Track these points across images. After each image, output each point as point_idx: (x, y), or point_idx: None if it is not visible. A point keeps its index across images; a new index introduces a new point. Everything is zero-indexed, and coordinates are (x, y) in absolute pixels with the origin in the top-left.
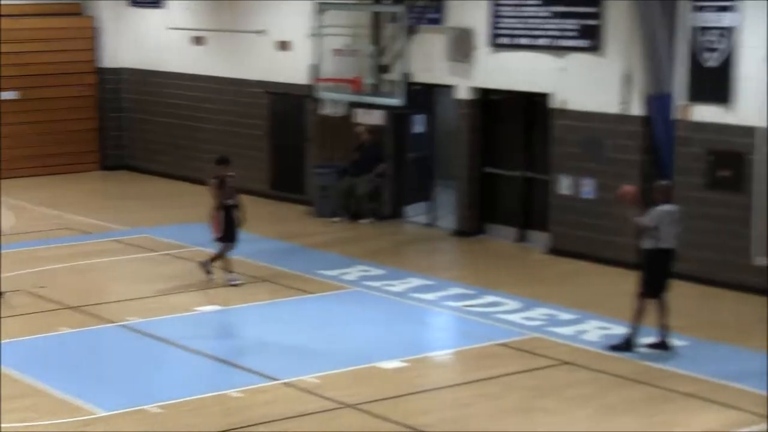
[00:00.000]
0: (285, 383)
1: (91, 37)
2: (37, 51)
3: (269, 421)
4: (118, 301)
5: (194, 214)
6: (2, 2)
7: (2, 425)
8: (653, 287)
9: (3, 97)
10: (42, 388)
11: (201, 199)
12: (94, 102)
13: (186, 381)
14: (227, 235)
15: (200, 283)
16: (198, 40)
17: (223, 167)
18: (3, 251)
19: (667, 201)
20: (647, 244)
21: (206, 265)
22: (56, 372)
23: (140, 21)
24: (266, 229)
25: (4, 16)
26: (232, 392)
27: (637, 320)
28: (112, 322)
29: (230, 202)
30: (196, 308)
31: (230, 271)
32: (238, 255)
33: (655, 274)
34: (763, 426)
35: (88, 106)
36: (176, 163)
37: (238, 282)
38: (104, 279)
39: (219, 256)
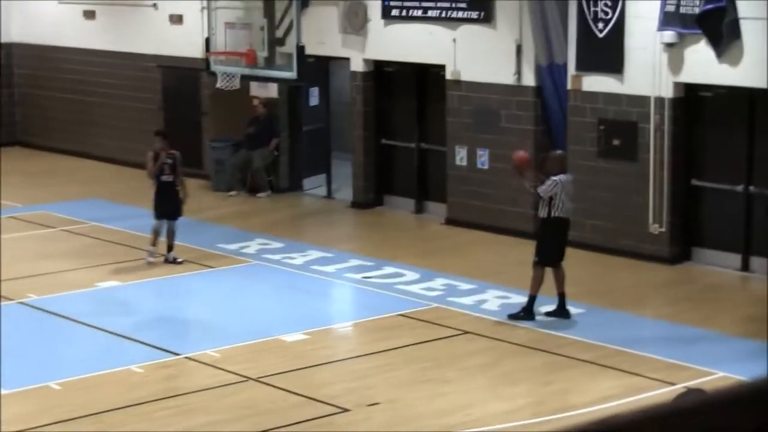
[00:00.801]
0: (186, 357)
1: None
2: None
3: (171, 396)
4: (17, 278)
5: (90, 190)
6: None
7: None
8: (550, 256)
9: None
10: None
11: (97, 175)
12: None
13: (87, 357)
14: (158, 210)
15: (98, 258)
16: (89, 14)
17: (160, 142)
18: None
19: (562, 171)
20: (543, 213)
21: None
22: None
23: None
24: None
25: None
26: (134, 367)
27: (534, 288)
28: (11, 300)
29: (165, 178)
30: (95, 284)
31: (152, 245)
32: (135, 230)
33: (552, 242)
34: (659, 391)
35: None
36: (71, 138)
37: (151, 260)
38: (2, 256)
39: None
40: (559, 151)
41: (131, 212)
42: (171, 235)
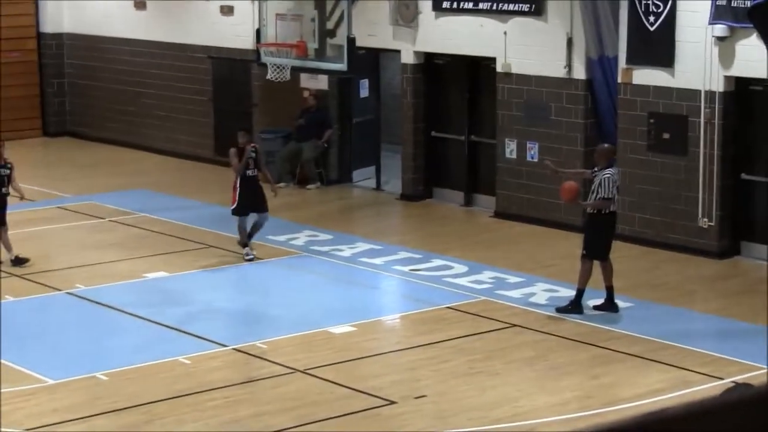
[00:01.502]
0: (234, 349)
1: (31, 1)
2: None
3: (218, 388)
4: (65, 268)
5: (139, 181)
6: None
7: None
8: (598, 249)
9: None
10: None
11: (145, 166)
12: (34, 68)
13: (134, 348)
14: (240, 206)
15: (146, 249)
16: (140, 5)
17: (243, 137)
18: None
19: (609, 164)
20: (591, 207)
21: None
22: (2, 341)
23: None
24: (212, 196)
25: None
26: (181, 359)
27: (582, 282)
28: (59, 290)
29: (250, 173)
30: (143, 275)
31: (243, 245)
32: (183, 222)
33: (600, 236)
34: (707, 385)
35: (29, 72)
36: (120, 129)
37: (250, 257)
38: (50, 246)
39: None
40: (606, 144)
41: (179, 203)
42: (257, 228)
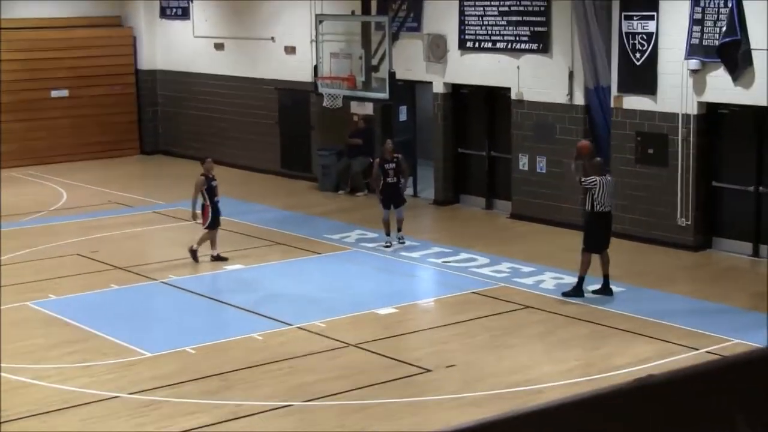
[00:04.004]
0: (298, 327)
1: (130, 44)
2: (85, 56)
3: (285, 359)
4: (159, 262)
5: (220, 190)
6: (55, 16)
7: (65, 365)
8: (595, 244)
9: (54, 95)
10: (97, 334)
11: (225, 178)
12: (133, 98)
13: (216, 327)
14: (384, 203)
15: (226, 246)
16: (219, 46)
17: (387, 145)
18: (63, 222)
19: (599, 174)
20: (588, 207)
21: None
22: (108, 321)
23: (171, 30)
24: (279, 202)
25: (57, 27)
26: (255, 335)
27: (583, 271)
28: (155, 280)
29: (389, 179)
30: (223, 267)
31: (386, 234)
32: (255, 223)
33: (596, 232)
34: (686, 355)
35: (129, 102)
36: (203, 148)
37: (391, 243)
38: (147, 244)
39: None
40: (597, 159)
41: (252, 208)
42: (399, 221)
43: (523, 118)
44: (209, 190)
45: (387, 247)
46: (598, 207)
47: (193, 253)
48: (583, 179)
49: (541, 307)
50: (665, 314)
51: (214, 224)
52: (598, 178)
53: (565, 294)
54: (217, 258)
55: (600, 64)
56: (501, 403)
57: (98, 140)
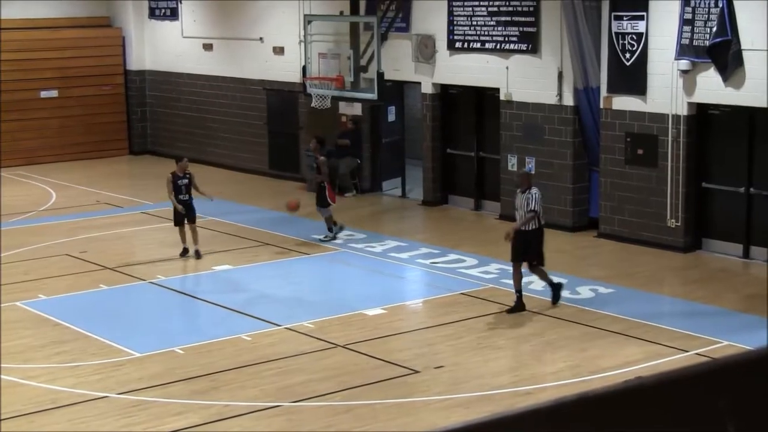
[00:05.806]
0: (286, 328)
1: (119, 44)
2: (74, 57)
3: (274, 360)
4: (148, 262)
5: (207, 190)
6: (44, 16)
7: (53, 365)
8: (528, 256)
9: (43, 95)
10: (85, 334)
11: (212, 178)
12: (122, 99)
13: (204, 327)
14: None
15: (213, 246)
16: (208, 47)
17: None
18: (52, 222)
19: (529, 186)
20: (534, 225)
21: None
22: (98, 321)
23: (159, 31)
24: (267, 202)
25: (46, 28)
26: (243, 336)
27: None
28: (143, 280)
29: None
30: (211, 267)
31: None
32: (243, 224)
33: (529, 246)
34: (675, 357)
35: (118, 102)
36: (191, 148)
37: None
38: (135, 244)
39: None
40: (524, 170)
41: (240, 208)
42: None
43: (512, 118)
44: (176, 188)
45: None
46: (543, 220)
47: (183, 251)
48: (532, 212)
49: (529, 309)
50: (654, 316)
51: (178, 221)
52: (535, 193)
53: (510, 311)
54: (184, 252)
55: (589, 64)
56: (489, 404)
57: (87, 140)
